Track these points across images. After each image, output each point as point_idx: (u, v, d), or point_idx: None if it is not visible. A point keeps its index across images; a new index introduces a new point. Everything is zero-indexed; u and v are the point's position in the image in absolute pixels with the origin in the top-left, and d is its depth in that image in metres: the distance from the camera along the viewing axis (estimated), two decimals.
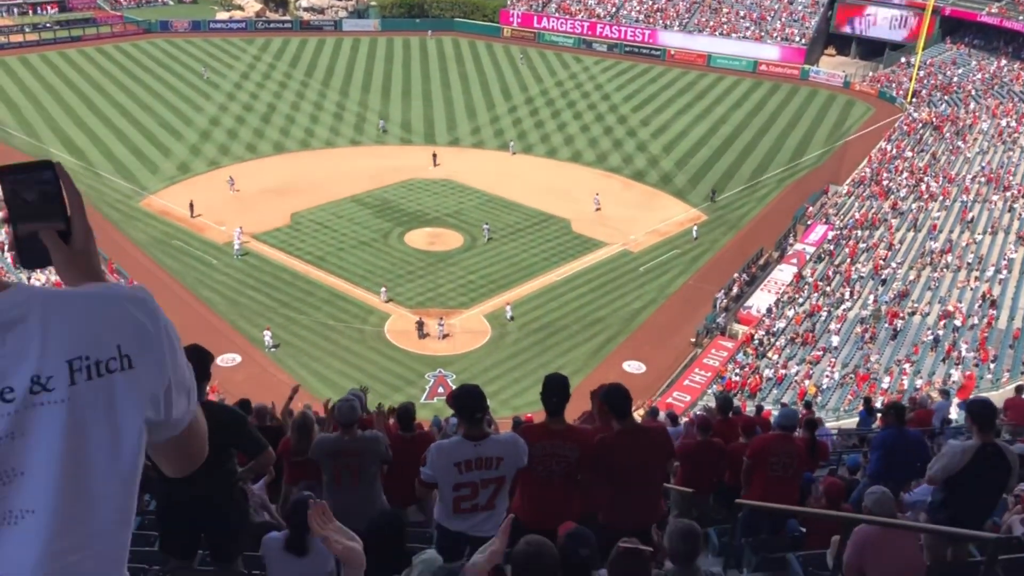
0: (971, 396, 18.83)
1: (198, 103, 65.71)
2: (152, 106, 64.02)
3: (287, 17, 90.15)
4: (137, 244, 44.83)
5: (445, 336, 38.56)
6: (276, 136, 60.90)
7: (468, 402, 5.66)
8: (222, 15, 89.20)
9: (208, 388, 5.96)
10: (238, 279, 42.54)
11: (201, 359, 5.72)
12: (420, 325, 38.57)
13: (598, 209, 51.11)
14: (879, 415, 14.52)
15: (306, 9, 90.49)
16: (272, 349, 37.19)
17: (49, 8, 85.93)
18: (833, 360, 35.59)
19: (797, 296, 42.30)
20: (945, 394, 17.93)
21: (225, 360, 34.89)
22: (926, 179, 52.16)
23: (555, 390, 6.16)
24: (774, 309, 41.57)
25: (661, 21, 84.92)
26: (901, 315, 37.67)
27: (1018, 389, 18.02)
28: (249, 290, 41.71)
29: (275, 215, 48.73)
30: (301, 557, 5.56)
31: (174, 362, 1.68)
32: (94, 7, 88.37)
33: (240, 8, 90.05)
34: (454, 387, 32.71)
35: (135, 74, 70.95)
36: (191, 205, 48.29)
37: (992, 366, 31.93)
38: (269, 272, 43.31)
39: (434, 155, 58.21)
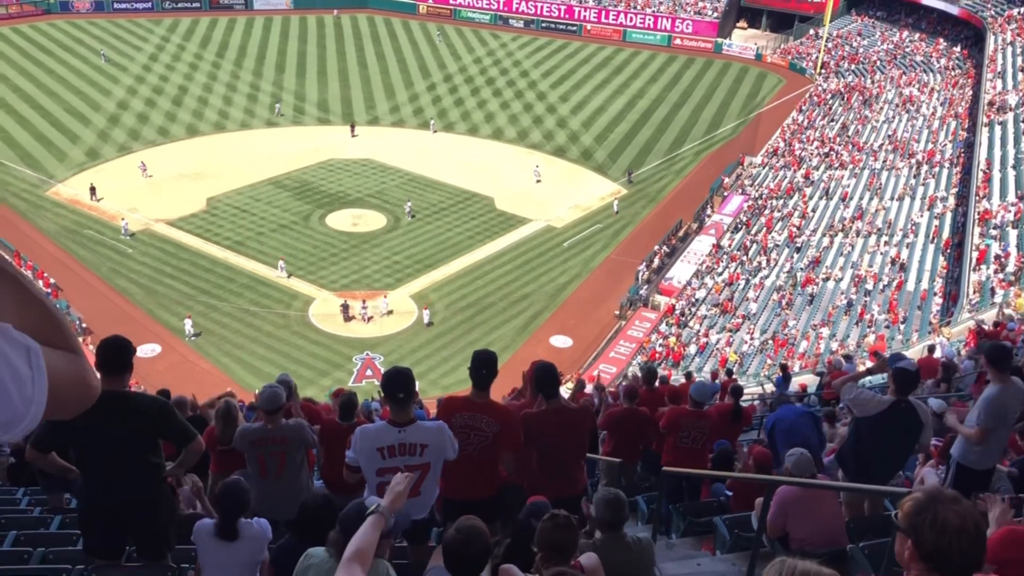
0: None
1: (105, 87, 63.36)
2: (56, 91, 61.51)
3: None
4: (47, 234, 43.22)
5: (370, 318, 38.31)
6: (189, 119, 59.22)
7: (391, 383, 5.64)
8: None
9: (129, 380, 5.74)
10: (155, 267, 41.39)
11: (122, 350, 5.52)
12: (345, 308, 38.21)
13: (539, 181, 51.60)
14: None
15: None
16: (193, 338, 36.41)
17: None
18: (752, 327, 36.55)
19: (716, 266, 43.23)
20: (848, 358, 18.63)
21: (145, 351, 34.01)
22: (836, 148, 53.69)
23: (483, 364, 6.22)
24: (694, 280, 42.41)
25: None
26: (816, 281, 38.85)
27: (929, 349, 18.91)
28: (167, 278, 40.64)
29: (190, 200, 47.52)
30: (231, 542, 5.51)
31: None
32: None
33: None
34: (383, 369, 32.57)
35: (36, 58, 67.99)
36: (92, 189, 46.72)
37: (902, 327, 33.19)
38: (187, 259, 42.25)
39: (352, 125, 57.98)
